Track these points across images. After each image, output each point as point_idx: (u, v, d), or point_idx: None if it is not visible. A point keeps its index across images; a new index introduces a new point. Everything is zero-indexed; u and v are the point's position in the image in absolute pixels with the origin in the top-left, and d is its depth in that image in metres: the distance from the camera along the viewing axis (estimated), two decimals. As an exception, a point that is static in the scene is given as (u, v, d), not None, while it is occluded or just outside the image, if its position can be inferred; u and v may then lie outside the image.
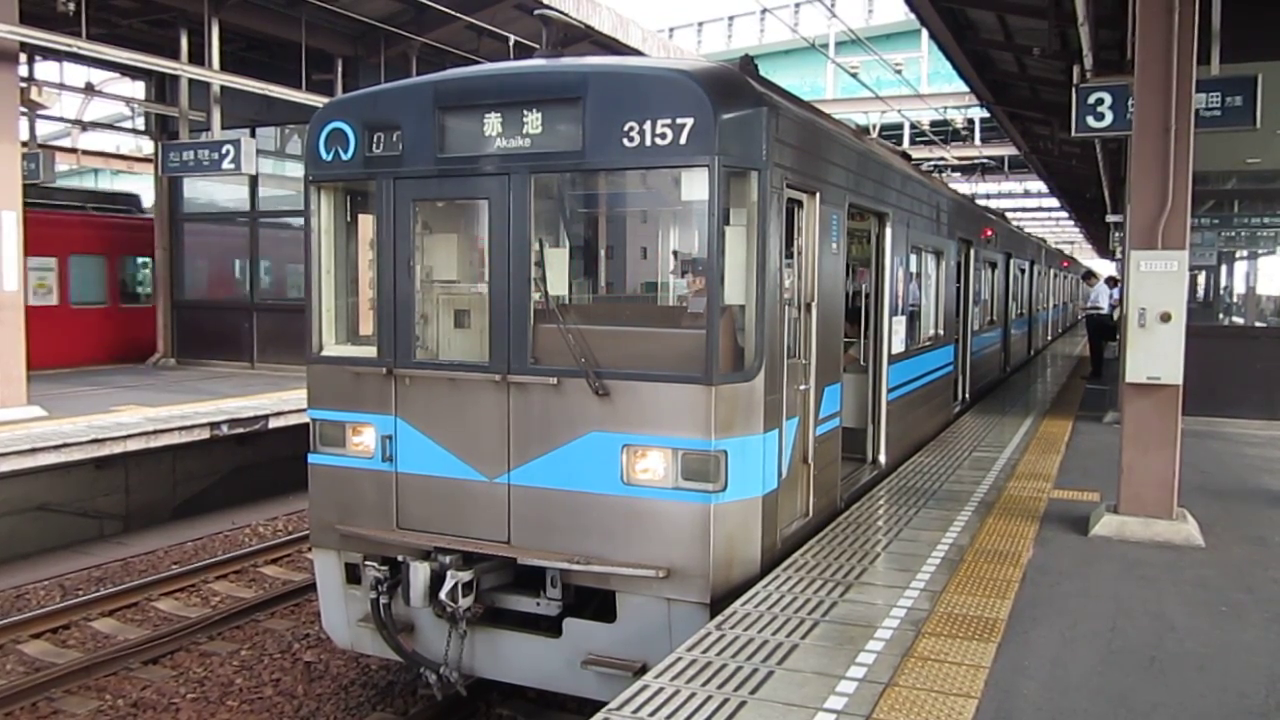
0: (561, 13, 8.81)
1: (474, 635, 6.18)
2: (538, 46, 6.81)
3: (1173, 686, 4.43)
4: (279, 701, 7.41)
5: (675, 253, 7.96)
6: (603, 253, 8.12)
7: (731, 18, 41.65)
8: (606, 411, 5.75)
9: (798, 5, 34.07)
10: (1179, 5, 6.46)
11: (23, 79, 15.16)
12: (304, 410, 6.88)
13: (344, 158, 6.47)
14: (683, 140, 5.49)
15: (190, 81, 16.09)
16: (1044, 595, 5.60)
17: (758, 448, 5.78)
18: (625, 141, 5.62)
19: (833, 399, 7.24)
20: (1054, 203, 38.90)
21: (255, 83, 14.99)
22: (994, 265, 16.37)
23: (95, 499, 11.84)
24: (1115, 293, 18.31)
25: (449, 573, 5.86)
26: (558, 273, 6.21)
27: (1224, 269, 14.76)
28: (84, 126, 21.90)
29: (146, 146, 23.95)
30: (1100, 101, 10.01)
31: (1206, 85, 9.03)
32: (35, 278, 17.07)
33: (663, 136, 5.53)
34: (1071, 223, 47.55)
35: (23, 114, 15.02)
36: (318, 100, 14.13)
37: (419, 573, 5.92)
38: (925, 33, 18.33)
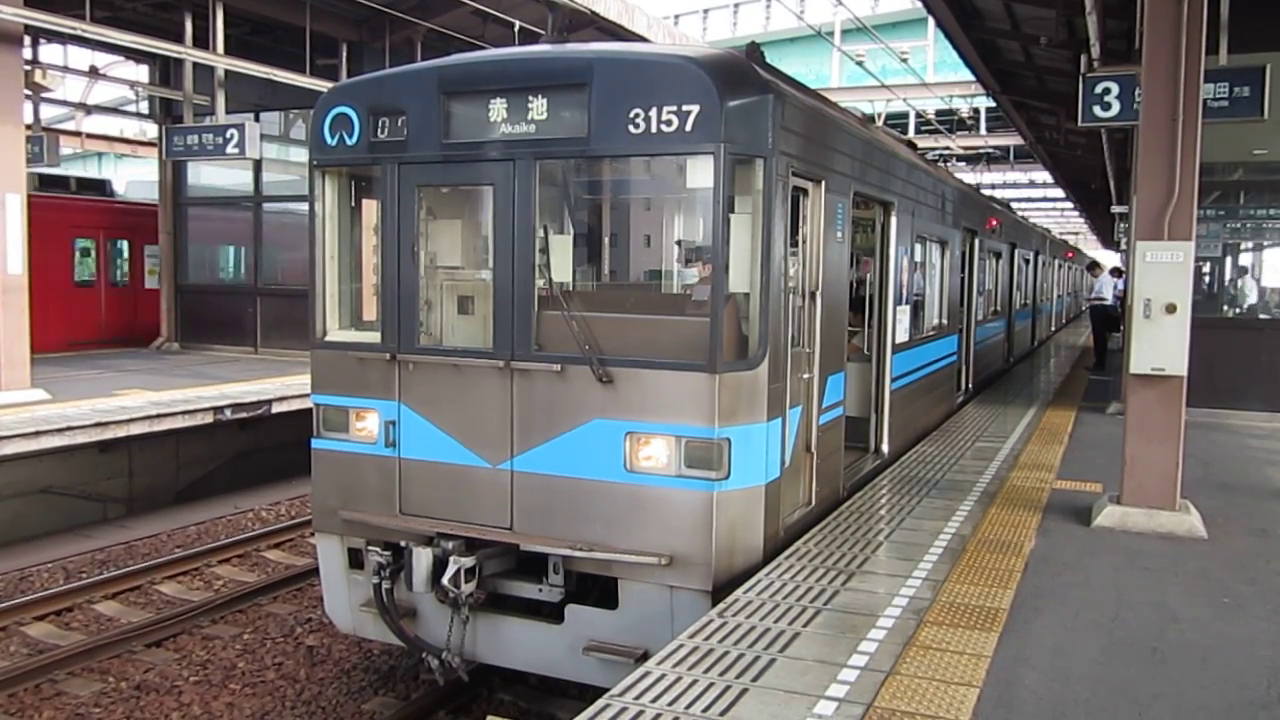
0: (567, -2, 8.78)
1: (476, 621, 6.19)
2: (543, 32, 6.79)
3: (1174, 677, 4.43)
4: (281, 685, 7.43)
5: (679, 242, 7.95)
6: (607, 240, 8.10)
7: (737, 4, 41.55)
8: (610, 399, 5.75)
9: (803, -8, 33.89)
10: (1188, -5, 6.43)
11: (27, 62, 15.13)
12: (307, 395, 6.89)
13: (348, 143, 6.45)
14: (688, 127, 5.47)
15: (194, 65, 16.02)
16: (1046, 585, 5.61)
17: (761, 436, 5.78)
18: (630, 128, 5.60)
19: (836, 388, 7.23)
20: (1059, 193, 38.77)
21: (260, 67, 14.94)
22: (998, 255, 16.33)
23: (99, 482, 11.87)
24: (1120, 283, 18.27)
25: (451, 558, 5.87)
26: (562, 259, 6.19)
27: (1229, 260, 14.71)
28: (88, 110, 21.83)
29: (150, 130, 23.91)
30: (1107, 91, 9.98)
31: (1214, 75, 9.01)
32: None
33: (668, 123, 5.51)
34: (1076, 213, 47.42)
35: (27, 97, 15.00)
36: (322, 85, 14.08)
37: (421, 558, 5.93)
38: (931, 21, 18.24)
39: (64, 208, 19.52)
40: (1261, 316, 13.59)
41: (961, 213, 12.30)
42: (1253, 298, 13.88)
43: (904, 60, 22.71)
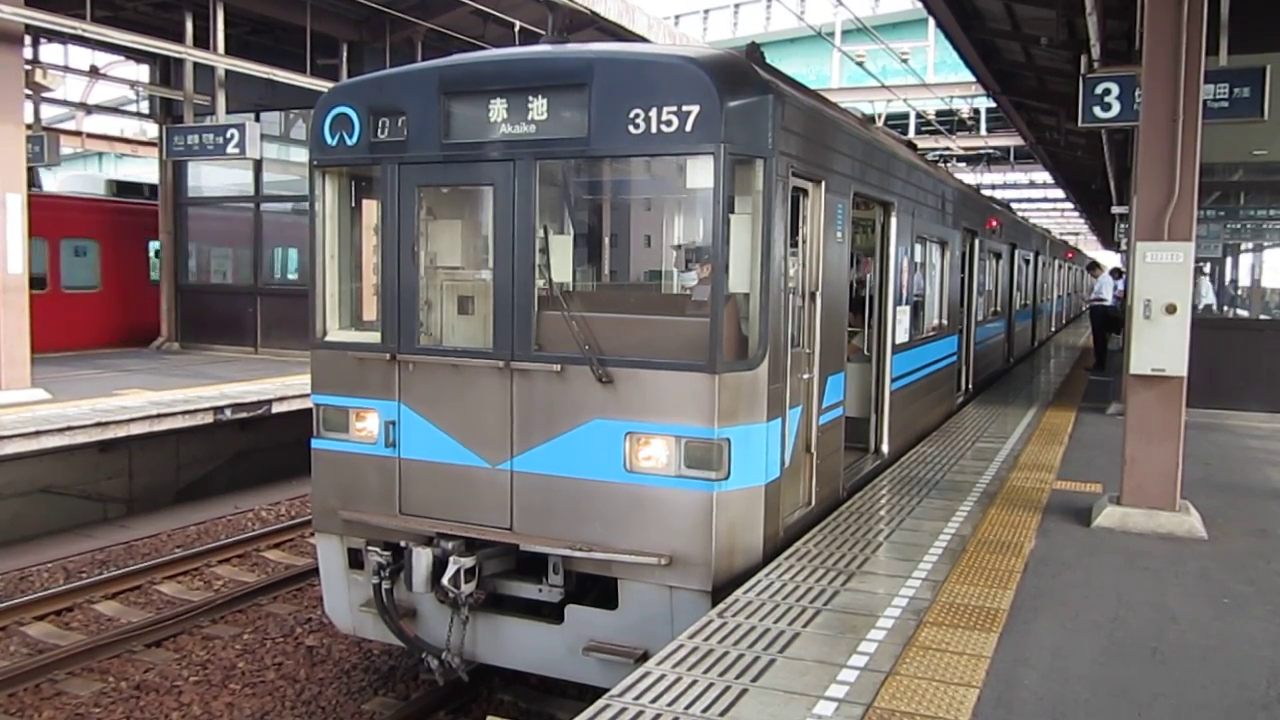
0: (567, -2, 8.78)
1: (476, 621, 6.19)
2: (543, 32, 6.80)
3: (1174, 677, 4.44)
4: (281, 685, 7.43)
5: (678, 247, 7.95)
6: (607, 240, 8.11)
7: (738, 5, 41.57)
8: (610, 399, 5.75)
9: (804, -8, 33.89)
10: (1188, -5, 6.43)
11: (27, 61, 15.13)
12: (307, 395, 6.89)
13: (349, 143, 6.45)
14: (688, 127, 5.47)
15: (195, 65, 16.03)
16: (1046, 586, 5.61)
17: (761, 436, 5.78)
18: (630, 128, 5.60)
19: (836, 388, 7.23)
20: (1059, 194, 38.78)
21: (260, 67, 14.94)
22: (998, 256, 16.33)
23: (99, 482, 11.87)
24: (1119, 284, 18.26)
25: (451, 559, 5.88)
26: (562, 259, 6.20)
27: (1229, 261, 14.74)
28: (88, 110, 21.84)
29: (151, 130, 23.91)
30: (1107, 92, 9.98)
31: (1214, 76, 9.01)
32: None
33: (668, 124, 5.51)
34: (1076, 214, 47.43)
35: (27, 97, 15.00)
36: (322, 85, 14.09)
37: (421, 558, 5.93)
38: (932, 21, 18.24)
39: (140, 212, 20.21)
40: (1261, 318, 13.60)
41: (961, 213, 12.30)
42: (1208, 298, 13.86)
43: (904, 61, 22.71)
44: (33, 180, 20.12)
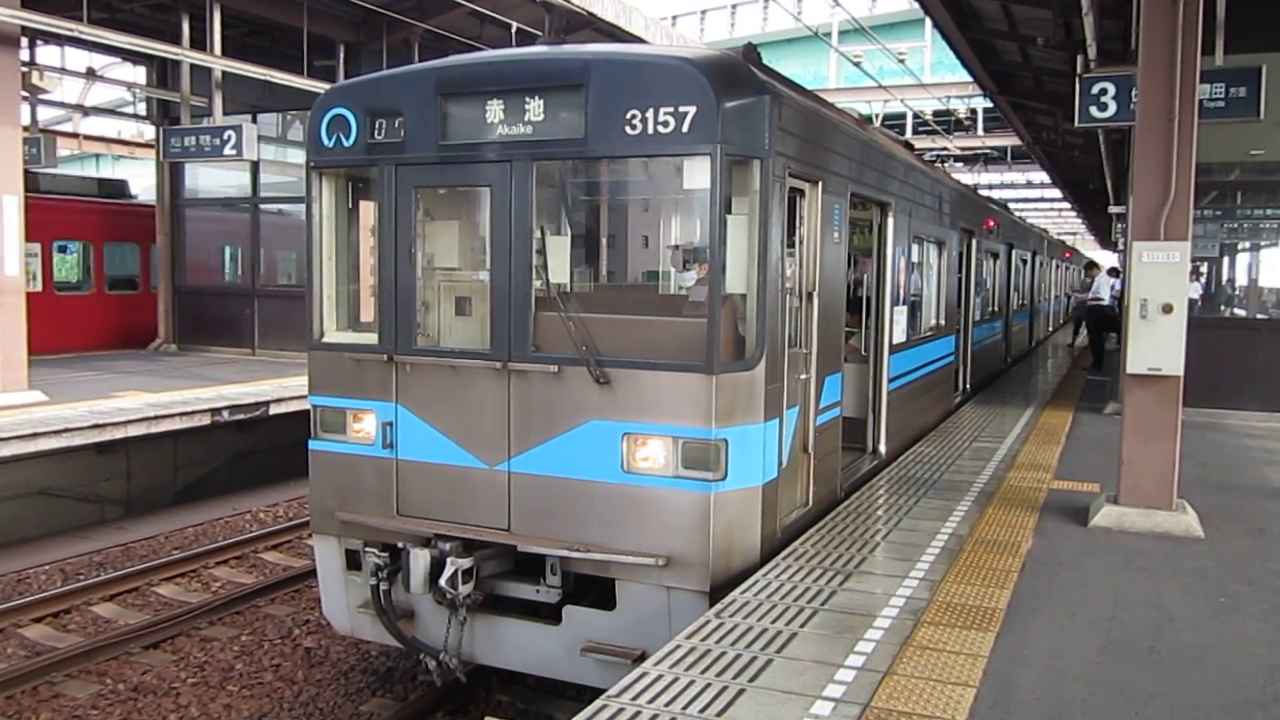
0: (564, -1, 8.78)
1: (474, 622, 6.19)
2: (540, 33, 6.80)
3: (1170, 677, 4.44)
4: (279, 686, 7.43)
5: (675, 247, 7.94)
6: (604, 241, 8.12)
7: (735, 5, 41.59)
8: (607, 399, 5.75)
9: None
10: (1184, -5, 6.43)
11: (24, 63, 15.12)
12: (305, 397, 6.89)
13: (346, 144, 6.45)
14: (685, 128, 5.48)
15: (192, 67, 16.04)
16: (1043, 585, 5.61)
17: (758, 437, 5.78)
18: (627, 129, 5.60)
19: (833, 388, 7.24)
20: (1056, 193, 38.80)
21: (257, 68, 14.94)
22: (996, 256, 16.35)
23: (96, 484, 11.86)
24: (1117, 283, 18.29)
25: (449, 560, 5.88)
26: (559, 260, 6.20)
27: (1226, 261, 14.77)
28: (85, 111, 21.83)
29: (148, 132, 23.90)
30: (1104, 92, 9.99)
31: (1211, 76, 9.01)
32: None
33: (665, 124, 5.51)
34: (1074, 213, 47.46)
35: (24, 99, 15.00)
36: (319, 86, 14.05)
37: (419, 559, 5.93)
38: (929, 22, 18.25)
39: (211, 219, 20.55)
40: (1258, 317, 13.61)
41: (959, 213, 12.31)
42: None
43: (901, 61, 22.72)
44: (124, 191, 21.37)
